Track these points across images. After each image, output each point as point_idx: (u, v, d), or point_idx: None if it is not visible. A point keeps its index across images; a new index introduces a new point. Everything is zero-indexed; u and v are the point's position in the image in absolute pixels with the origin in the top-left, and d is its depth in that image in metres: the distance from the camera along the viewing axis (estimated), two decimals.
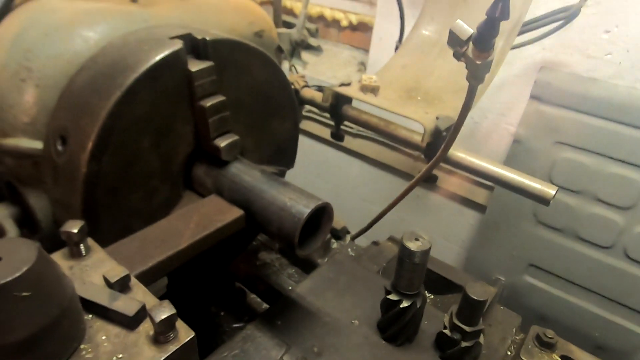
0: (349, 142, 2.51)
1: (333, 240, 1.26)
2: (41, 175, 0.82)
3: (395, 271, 0.78)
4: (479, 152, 2.08)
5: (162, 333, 0.43)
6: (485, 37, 0.62)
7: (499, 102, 1.94)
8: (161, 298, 0.48)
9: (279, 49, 1.47)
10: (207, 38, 0.74)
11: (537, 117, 1.81)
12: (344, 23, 2.63)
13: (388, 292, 0.81)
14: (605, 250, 1.78)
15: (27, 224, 0.92)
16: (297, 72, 1.98)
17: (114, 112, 0.66)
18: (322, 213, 0.74)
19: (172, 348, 0.44)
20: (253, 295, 1.28)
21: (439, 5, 1.47)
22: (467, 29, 0.63)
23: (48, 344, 0.39)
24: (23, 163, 0.87)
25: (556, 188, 1.00)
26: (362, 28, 2.59)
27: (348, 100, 1.31)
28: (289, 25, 2.66)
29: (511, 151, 1.90)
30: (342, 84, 1.29)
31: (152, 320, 0.43)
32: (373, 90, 1.25)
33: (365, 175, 2.57)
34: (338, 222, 1.26)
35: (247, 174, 0.78)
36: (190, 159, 0.82)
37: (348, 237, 1.28)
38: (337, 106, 1.30)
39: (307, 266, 1.22)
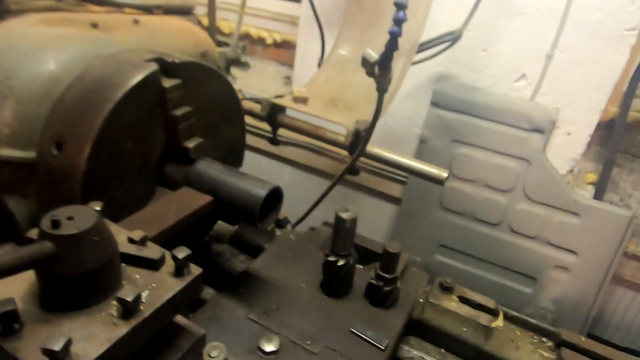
0: (280, 149, 2.73)
1: (277, 229, 1.47)
2: (26, 180, 0.95)
3: (332, 237, 1.02)
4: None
5: (182, 267, 0.63)
6: (385, 62, 0.89)
7: (407, 108, 2.29)
8: None
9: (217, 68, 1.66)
10: (176, 61, 0.93)
11: (437, 121, 2.18)
12: (269, 41, 2.87)
13: (327, 255, 1.04)
14: (495, 227, 2.19)
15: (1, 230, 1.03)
16: None
17: (107, 120, 0.82)
18: (275, 194, 0.95)
19: (189, 278, 0.63)
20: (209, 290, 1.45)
21: (353, 29, 1.76)
22: (373, 55, 0.89)
23: (108, 275, 0.57)
24: (2, 171, 0.98)
25: (447, 171, 1.31)
26: (286, 45, 2.85)
27: (282, 109, 1.54)
28: (219, 44, 2.84)
29: (418, 150, 2.26)
30: (277, 96, 1.52)
31: (174, 258, 0.62)
32: (303, 100, 1.50)
33: (297, 180, 2.81)
34: (280, 213, 1.48)
35: (212, 168, 0.98)
36: (162, 159, 1.00)
37: (289, 226, 1.50)
38: (273, 115, 1.52)
39: (255, 251, 1.41)
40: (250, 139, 2.82)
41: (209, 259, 1.41)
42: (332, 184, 1.38)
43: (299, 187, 2.88)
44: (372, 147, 1.39)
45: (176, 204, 0.90)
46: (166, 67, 0.93)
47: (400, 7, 0.82)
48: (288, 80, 2.86)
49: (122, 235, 0.67)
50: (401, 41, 1.78)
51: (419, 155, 2.25)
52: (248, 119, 1.60)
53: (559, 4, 1.85)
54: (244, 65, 2.87)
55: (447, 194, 2.22)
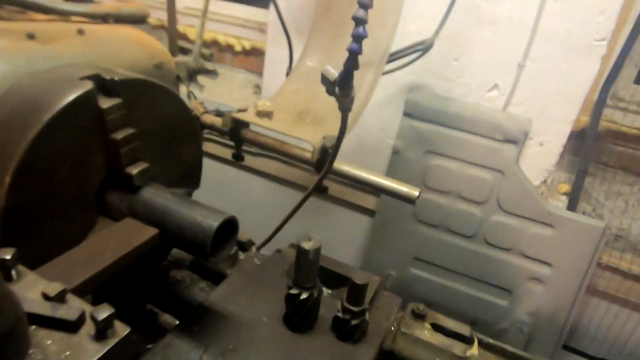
0: (250, 161, 2.64)
1: (240, 252, 1.38)
2: None
3: (294, 268, 0.94)
4: (365, 163, 2.36)
5: (103, 330, 0.53)
6: (345, 81, 0.81)
7: (379, 119, 2.24)
8: None
9: (178, 78, 1.56)
10: (116, 78, 0.84)
11: (410, 131, 2.12)
12: (238, 48, 2.78)
13: (290, 288, 0.96)
14: (470, 239, 2.14)
15: None
16: (195, 98, 2.07)
17: (30, 149, 0.72)
18: (229, 225, 0.86)
19: (113, 341, 0.54)
20: (166, 316, 1.35)
21: (320, 38, 1.69)
22: (333, 72, 0.81)
23: (8, 348, 0.47)
24: None
25: (419, 189, 1.24)
26: (255, 53, 2.76)
27: (246, 124, 1.45)
28: (184, 51, 2.73)
29: (391, 161, 2.20)
30: (240, 110, 1.43)
31: (94, 319, 0.53)
32: (268, 114, 1.41)
33: (268, 192, 2.72)
34: (243, 235, 1.39)
35: (158, 196, 0.88)
36: (102, 186, 0.90)
37: (253, 248, 1.41)
38: (236, 130, 1.43)
39: (217, 278, 1.32)
40: (218, 150, 2.73)
41: (167, 287, 1.30)
42: (298, 205, 1.30)
43: (271, 199, 2.79)
44: (341, 164, 1.31)
45: (117, 239, 0.80)
46: (105, 85, 0.84)
47: (360, 22, 0.75)
48: (258, 89, 2.77)
49: (35, 290, 0.57)
50: (371, 51, 1.72)
51: (392, 167, 2.20)
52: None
53: (529, 14, 1.83)
54: (212, 74, 2.76)
55: (421, 206, 2.17)
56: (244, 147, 1.50)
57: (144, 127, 0.92)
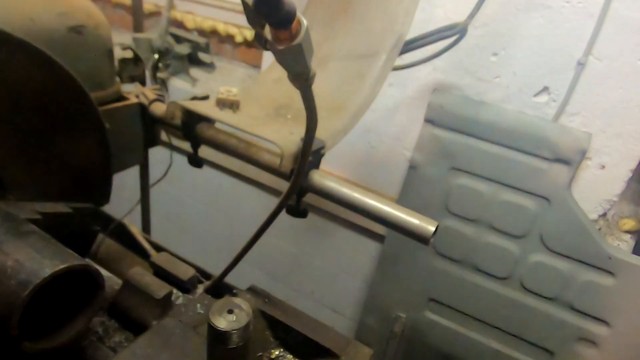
0: (245, 168, 2.27)
1: (179, 294, 0.99)
2: None
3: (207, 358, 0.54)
4: (376, 179, 1.94)
5: None
6: (269, 6, 0.41)
7: (394, 125, 1.83)
8: None
9: (137, 58, 1.20)
10: None
11: (432, 142, 1.71)
12: (239, 39, 2.42)
13: None
14: (502, 282, 1.70)
15: None
16: (166, 88, 1.72)
17: None
18: (81, 280, 0.48)
19: None
20: None
21: (317, 15, 1.31)
22: None
23: None
24: None
25: (436, 224, 0.83)
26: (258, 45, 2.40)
27: (204, 117, 1.07)
28: (179, 39, 2.38)
29: (407, 178, 1.78)
30: (195, 97, 1.05)
31: None
32: (232, 105, 1.03)
33: (260, 203, 2.34)
34: (185, 271, 1.00)
35: None
36: None
37: (200, 288, 1.02)
38: (189, 125, 1.05)
39: (139, 329, 0.93)
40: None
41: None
42: (254, 236, 0.90)
43: (265, 211, 2.40)
44: (324, 179, 0.91)
45: None
46: None
47: None
48: None
49: None
50: (381, 33, 1.32)
51: (408, 185, 1.78)
52: None
53: None
54: (207, 66, 2.42)
55: (442, 236, 1.74)
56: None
57: None
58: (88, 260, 0.80)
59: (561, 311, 1.61)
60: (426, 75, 1.70)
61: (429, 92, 1.72)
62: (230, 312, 0.52)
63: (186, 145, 1.15)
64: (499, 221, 1.65)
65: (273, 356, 0.90)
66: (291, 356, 0.91)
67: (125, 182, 1.36)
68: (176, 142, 1.37)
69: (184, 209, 2.66)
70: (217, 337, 0.50)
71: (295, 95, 1.19)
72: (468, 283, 1.74)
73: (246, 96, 1.11)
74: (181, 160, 1.41)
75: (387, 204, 0.88)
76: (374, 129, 1.87)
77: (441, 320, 1.83)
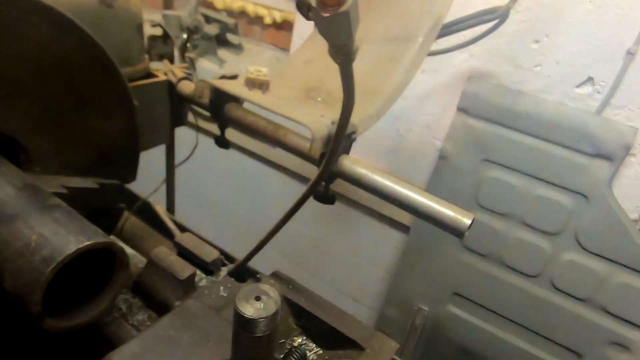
0: (269, 151, 2.25)
1: (203, 276, 0.98)
2: None
3: (232, 346, 0.52)
4: (404, 168, 1.89)
5: None
6: None
7: (425, 113, 1.77)
8: None
9: (166, 36, 1.18)
10: None
11: (464, 132, 1.64)
12: (268, 20, 2.38)
13: None
14: (531, 279, 1.64)
15: None
16: (194, 68, 1.69)
17: None
18: (105, 258, 0.46)
19: None
20: None
21: None
22: None
23: None
24: None
25: (472, 217, 0.78)
26: (287, 27, 2.35)
27: (233, 97, 1.04)
28: (208, 19, 2.36)
29: (437, 168, 1.72)
30: (224, 77, 1.02)
31: None
32: (261, 85, 1.00)
33: (284, 189, 2.32)
34: (209, 252, 0.99)
35: None
36: None
37: (224, 271, 1.00)
38: (217, 104, 1.03)
39: (162, 309, 0.92)
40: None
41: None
42: (281, 220, 0.88)
43: (289, 199, 2.39)
44: (355, 165, 0.88)
45: None
46: None
47: None
48: None
49: None
50: (417, 15, 1.26)
51: (437, 176, 1.72)
52: None
53: None
54: (235, 47, 2.39)
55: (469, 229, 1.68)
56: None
57: (13, 73, 0.53)
58: (113, 238, 0.79)
59: (593, 313, 1.55)
60: (461, 62, 1.63)
61: (463, 79, 1.65)
62: (257, 299, 0.49)
63: (212, 127, 1.13)
64: (532, 217, 1.58)
65: (295, 344, 0.88)
66: (314, 345, 0.89)
67: (151, 161, 1.35)
68: (202, 123, 1.35)
69: (207, 191, 2.66)
70: (242, 325, 0.48)
71: (327, 77, 1.15)
72: (495, 279, 1.69)
73: (276, 77, 1.08)
74: (207, 142, 1.39)
75: (420, 194, 0.83)
76: (403, 116, 1.81)
77: (464, 315, 1.78)
